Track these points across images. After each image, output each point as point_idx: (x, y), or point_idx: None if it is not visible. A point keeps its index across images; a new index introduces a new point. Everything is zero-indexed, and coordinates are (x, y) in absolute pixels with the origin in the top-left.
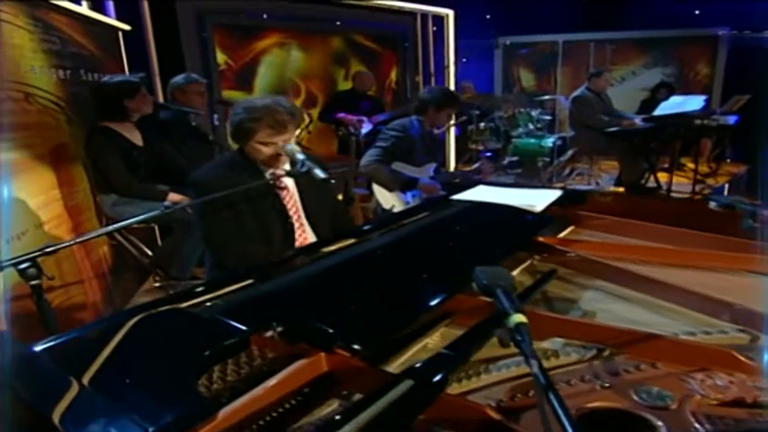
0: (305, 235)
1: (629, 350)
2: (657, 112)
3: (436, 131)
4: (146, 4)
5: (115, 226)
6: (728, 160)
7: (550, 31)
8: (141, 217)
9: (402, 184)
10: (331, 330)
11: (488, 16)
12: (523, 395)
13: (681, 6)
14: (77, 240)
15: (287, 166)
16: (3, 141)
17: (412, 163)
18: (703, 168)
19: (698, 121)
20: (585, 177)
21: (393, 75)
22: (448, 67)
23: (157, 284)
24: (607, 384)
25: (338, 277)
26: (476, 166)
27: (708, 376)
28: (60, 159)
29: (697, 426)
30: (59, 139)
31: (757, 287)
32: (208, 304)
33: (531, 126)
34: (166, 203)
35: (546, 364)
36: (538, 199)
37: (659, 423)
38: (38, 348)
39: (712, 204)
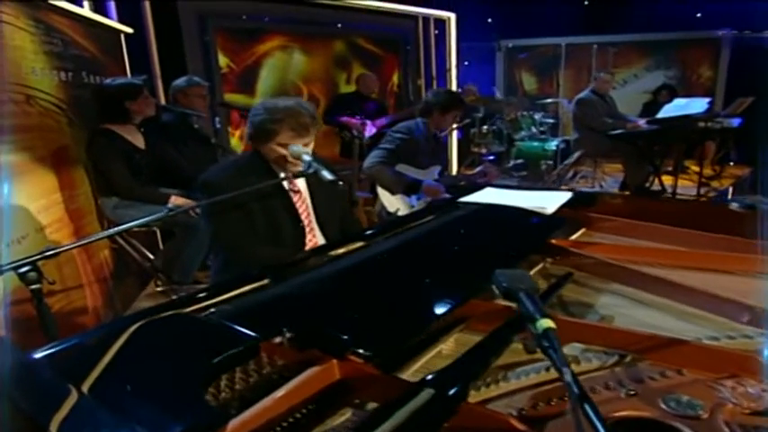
0: (315, 240)
1: (652, 356)
2: (661, 114)
3: (440, 134)
4: (148, 7)
5: (117, 229)
6: (732, 163)
7: (552, 34)
8: (144, 220)
9: (405, 186)
10: (345, 336)
11: (490, 20)
12: (546, 404)
13: (683, 9)
14: (78, 244)
15: (299, 169)
16: (3, 144)
17: (416, 166)
18: (707, 171)
19: (702, 124)
20: (589, 180)
21: (395, 78)
22: (450, 70)
23: (159, 289)
24: (633, 392)
25: (349, 281)
26: (479, 169)
27: (738, 383)
28: (61, 162)
29: None
30: (60, 142)
31: None
32: (213, 309)
33: (533, 129)
34: (170, 206)
35: None
36: (548, 201)
37: None
38: (37, 355)
39: (734, 206)
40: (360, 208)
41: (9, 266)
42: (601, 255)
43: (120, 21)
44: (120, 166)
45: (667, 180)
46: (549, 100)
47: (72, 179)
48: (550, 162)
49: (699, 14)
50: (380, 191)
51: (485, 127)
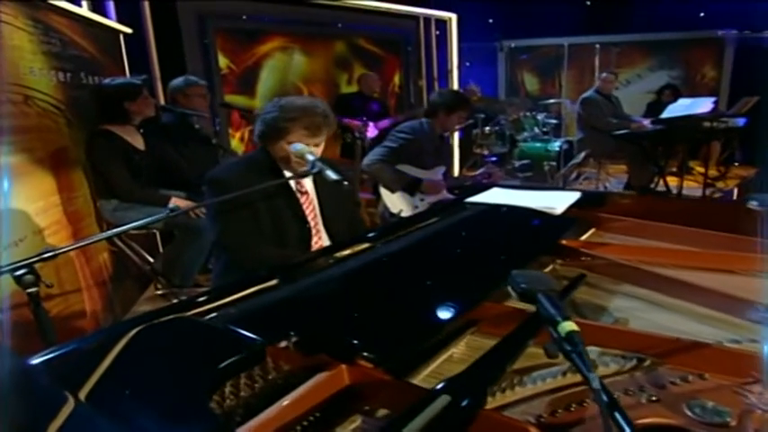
0: (321, 242)
1: (672, 360)
2: (665, 114)
3: (445, 135)
4: (147, 7)
5: (117, 230)
6: (737, 163)
7: (554, 34)
8: (144, 221)
9: (405, 184)
10: (355, 341)
11: (491, 20)
12: (565, 410)
13: (686, 8)
14: (77, 245)
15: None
16: (1, 145)
17: (420, 166)
18: (712, 172)
19: (707, 124)
20: (593, 182)
21: (396, 79)
22: (451, 71)
23: (159, 292)
24: (654, 398)
25: (357, 283)
26: (481, 171)
27: (766, 389)
28: (60, 164)
29: None
30: (59, 143)
31: None
32: (216, 313)
33: (536, 130)
34: (172, 206)
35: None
36: (557, 201)
37: None
38: (34, 361)
39: (753, 204)
40: (362, 209)
41: (5, 269)
42: (612, 255)
43: (119, 21)
44: (120, 168)
45: (672, 181)
46: (552, 100)
47: (70, 181)
48: (553, 163)
49: (702, 14)
50: (383, 192)
51: (487, 128)
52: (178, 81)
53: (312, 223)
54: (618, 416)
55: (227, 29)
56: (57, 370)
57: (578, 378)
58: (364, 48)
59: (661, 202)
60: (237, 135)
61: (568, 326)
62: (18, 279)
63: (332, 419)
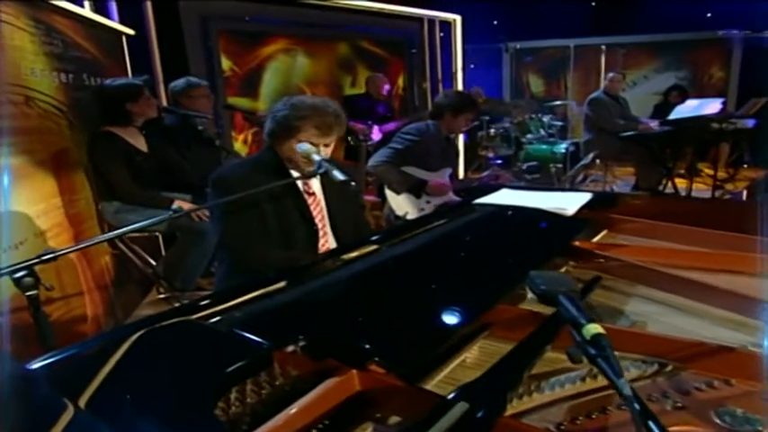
0: (328, 244)
1: (695, 365)
2: (673, 115)
3: (452, 137)
4: (149, 8)
5: (119, 231)
6: (746, 165)
7: (560, 35)
8: (147, 222)
9: (410, 185)
10: (366, 345)
11: (495, 22)
12: (586, 417)
13: (693, 9)
14: (78, 247)
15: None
16: (1, 146)
17: (426, 168)
18: (721, 174)
19: (716, 125)
20: (600, 184)
21: (400, 81)
22: (455, 73)
23: (161, 296)
24: (680, 405)
25: (366, 286)
26: (487, 173)
27: None
28: (61, 166)
29: None
30: (60, 145)
31: None
32: (221, 316)
33: (542, 132)
34: (174, 207)
35: (601, 381)
36: (568, 202)
37: None
38: (33, 366)
39: None
40: (367, 212)
41: (4, 271)
42: (627, 257)
43: (122, 22)
44: (122, 170)
45: (680, 183)
46: (558, 102)
47: (72, 183)
48: (560, 165)
49: (709, 14)
50: (389, 194)
51: (492, 130)
52: (180, 83)
53: (320, 225)
54: (652, 425)
55: (229, 30)
56: (56, 376)
57: (599, 384)
58: (368, 50)
59: (674, 202)
60: (240, 137)
61: (593, 328)
62: (17, 281)
63: (342, 427)
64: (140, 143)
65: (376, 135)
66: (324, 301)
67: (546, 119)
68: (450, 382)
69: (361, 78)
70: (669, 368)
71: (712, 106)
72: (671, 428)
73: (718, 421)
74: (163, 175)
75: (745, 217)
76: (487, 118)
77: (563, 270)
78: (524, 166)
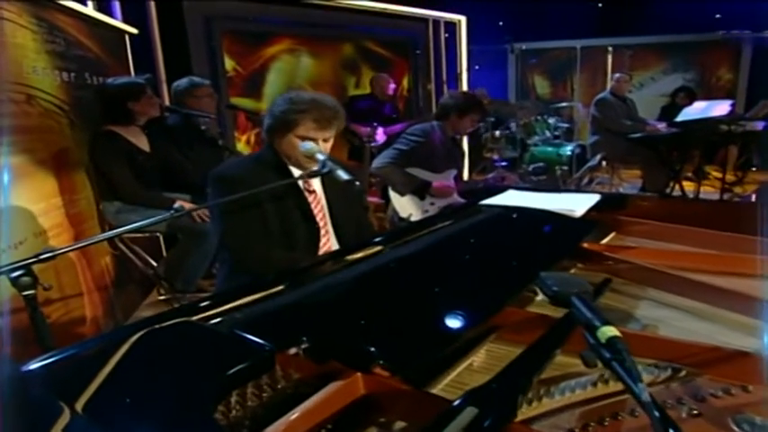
0: (329, 243)
1: (711, 370)
2: (681, 117)
3: (458, 138)
4: (153, 7)
5: (119, 230)
6: (755, 168)
7: (566, 36)
8: (148, 221)
9: (415, 188)
10: (371, 348)
11: (501, 22)
12: (598, 424)
13: (701, 9)
14: (77, 246)
15: (314, 168)
16: (2, 145)
17: (431, 169)
18: (729, 177)
19: (724, 127)
20: (606, 187)
21: (405, 82)
22: (460, 74)
23: (162, 297)
24: (696, 411)
25: (371, 288)
26: (492, 175)
27: None
28: (62, 165)
29: None
30: (61, 144)
31: None
32: (222, 318)
33: (548, 134)
34: (176, 206)
35: (613, 385)
36: (576, 203)
37: None
38: (29, 368)
39: None
40: (371, 213)
41: (1, 270)
42: (637, 259)
43: (125, 21)
44: (124, 170)
45: (687, 186)
46: (564, 104)
47: (73, 183)
48: (565, 167)
49: (718, 15)
50: (392, 195)
51: (497, 132)
52: (183, 82)
53: (321, 223)
54: None
55: (233, 30)
56: (53, 378)
57: (611, 389)
58: (372, 50)
59: (683, 204)
60: (243, 138)
61: (609, 331)
62: (14, 281)
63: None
64: (142, 143)
65: (380, 137)
66: (327, 303)
67: (552, 120)
68: (456, 387)
69: (365, 79)
70: (683, 373)
71: (721, 108)
72: None
73: (736, 429)
74: (165, 175)
75: (756, 219)
76: (492, 119)
77: (571, 272)
78: (530, 168)
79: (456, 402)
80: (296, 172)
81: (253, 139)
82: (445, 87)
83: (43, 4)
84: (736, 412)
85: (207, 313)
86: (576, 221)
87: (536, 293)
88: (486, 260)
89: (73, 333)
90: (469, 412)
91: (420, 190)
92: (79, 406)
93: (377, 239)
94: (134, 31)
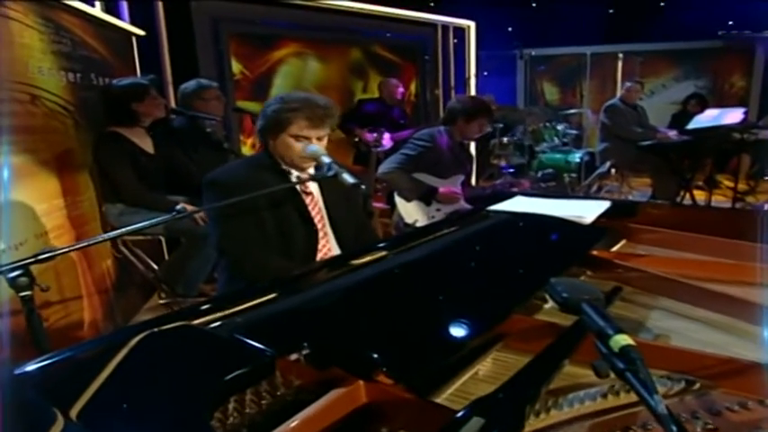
0: (328, 246)
1: (726, 383)
2: (693, 125)
3: (465, 143)
4: (160, 9)
5: (119, 231)
6: (767, 177)
7: (575, 43)
8: (149, 222)
9: (422, 194)
10: (374, 355)
11: (510, 28)
12: None
13: (713, 16)
14: (77, 246)
15: (311, 170)
16: (3, 145)
17: (438, 175)
18: (741, 186)
19: (737, 135)
20: (615, 195)
21: (413, 87)
22: (468, 79)
23: (162, 301)
24: (711, 426)
25: (375, 293)
26: (499, 182)
27: None
28: (65, 166)
29: None
30: (65, 145)
31: None
32: (221, 322)
33: (556, 141)
34: (178, 207)
35: (624, 397)
36: (585, 210)
37: None
38: (21, 372)
39: None
40: (376, 219)
41: None
42: (648, 267)
43: (132, 22)
44: (127, 171)
45: (698, 195)
46: (573, 111)
47: (76, 184)
48: (574, 175)
49: (731, 22)
50: (398, 201)
51: (505, 138)
52: (191, 84)
53: (319, 225)
54: None
55: (241, 33)
56: (47, 382)
57: (622, 401)
58: (380, 55)
59: (695, 212)
60: (249, 141)
61: (622, 339)
62: (11, 281)
63: None
64: (147, 144)
65: (387, 142)
66: (330, 308)
67: (560, 127)
68: (461, 396)
69: (372, 84)
70: (697, 386)
71: (733, 116)
72: None
73: None
74: (169, 177)
75: None
76: (500, 126)
77: (580, 279)
78: (539, 174)
79: (461, 412)
80: (292, 173)
81: (258, 142)
82: (453, 93)
83: (50, 4)
84: (754, 428)
85: (207, 317)
86: (586, 228)
87: (545, 301)
88: (493, 266)
89: (72, 336)
90: (475, 423)
91: (426, 196)
92: (74, 412)
93: (381, 245)
94: (141, 32)
